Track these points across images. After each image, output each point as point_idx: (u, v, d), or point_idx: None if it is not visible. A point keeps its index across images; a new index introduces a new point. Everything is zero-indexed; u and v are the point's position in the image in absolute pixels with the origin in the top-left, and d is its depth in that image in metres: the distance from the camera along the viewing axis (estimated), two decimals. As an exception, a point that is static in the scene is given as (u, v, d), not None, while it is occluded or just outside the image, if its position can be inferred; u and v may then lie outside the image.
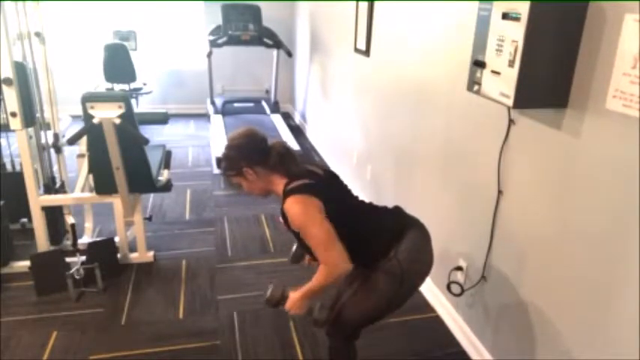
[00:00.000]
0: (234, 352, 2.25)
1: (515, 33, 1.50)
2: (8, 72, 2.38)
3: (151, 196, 3.86)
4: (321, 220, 1.56)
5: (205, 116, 6.13)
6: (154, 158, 2.93)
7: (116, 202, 2.79)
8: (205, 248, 3.15)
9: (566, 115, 1.60)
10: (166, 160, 3.14)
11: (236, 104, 5.87)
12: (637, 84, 1.31)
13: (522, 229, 1.87)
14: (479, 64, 1.70)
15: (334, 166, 4.50)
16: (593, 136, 1.50)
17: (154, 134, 5.34)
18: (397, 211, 1.80)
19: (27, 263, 2.66)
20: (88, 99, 2.42)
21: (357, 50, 3.69)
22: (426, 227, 1.76)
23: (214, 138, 4.85)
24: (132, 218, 2.87)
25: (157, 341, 2.30)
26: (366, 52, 3.49)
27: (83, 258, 2.67)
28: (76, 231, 2.82)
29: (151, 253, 2.98)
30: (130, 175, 2.65)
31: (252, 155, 1.71)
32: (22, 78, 2.51)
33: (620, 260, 1.43)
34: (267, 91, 6.45)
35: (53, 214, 2.90)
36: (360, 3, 3.53)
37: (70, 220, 3.00)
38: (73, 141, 2.56)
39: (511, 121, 1.88)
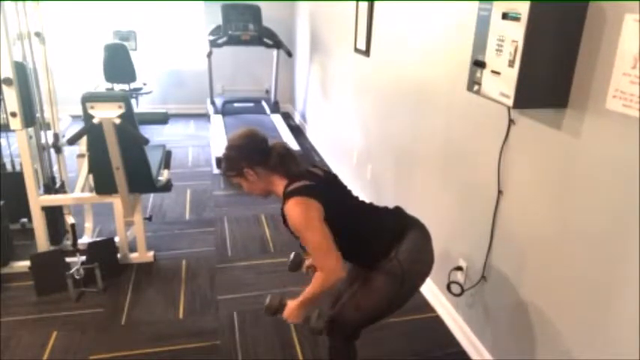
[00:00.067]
0: (234, 352, 2.25)
1: (515, 33, 1.50)
2: (8, 72, 2.38)
3: (151, 196, 3.86)
4: (320, 225, 1.57)
5: (205, 116, 6.13)
6: (154, 158, 2.93)
7: (116, 202, 2.79)
8: (205, 248, 3.15)
9: (566, 115, 1.60)
10: (166, 160, 3.14)
11: (236, 104, 5.87)
12: (637, 84, 1.31)
13: (522, 229, 1.87)
14: (479, 64, 1.70)
15: (334, 166, 4.50)
16: (593, 136, 1.50)
17: (154, 134, 5.34)
18: (398, 211, 1.80)
19: (27, 263, 2.66)
20: (88, 99, 2.42)
21: (357, 50, 3.69)
22: (427, 227, 1.76)
23: (214, 138, 4.85)
24: (132, 218, 2.87)
25: (157, 341, 2.30)
26: (366, 52, 3.49)
27: (83, 258, 2.67)
28: (76, 231, 2.82)
29: (151, 253, 2.98)
30: (130, 175, 2.65)
31: (253, 156, 1.72)
32: (22, 78, 2.51)
33: (620, 260, 1.43)
34: (267, 91, 6.45)
35: (53, 214, 2.90)
36: (360, 3, 3.53)
37: (70, 220, 3.00)
38: (73, 141, 2.56)
39: (511, 121, 1.88)
